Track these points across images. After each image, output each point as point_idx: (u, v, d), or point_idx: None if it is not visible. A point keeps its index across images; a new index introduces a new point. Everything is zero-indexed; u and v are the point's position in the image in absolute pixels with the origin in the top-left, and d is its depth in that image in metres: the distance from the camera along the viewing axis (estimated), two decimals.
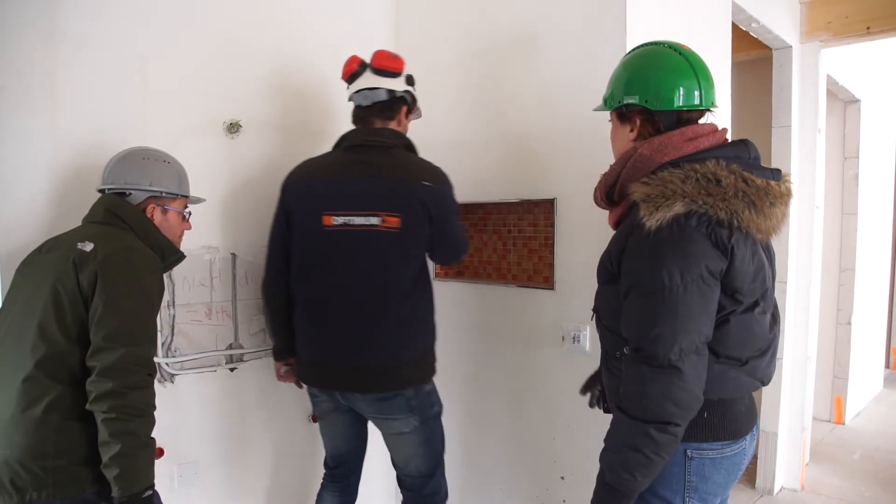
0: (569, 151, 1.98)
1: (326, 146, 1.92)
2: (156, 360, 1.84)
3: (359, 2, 2.41)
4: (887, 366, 5.34)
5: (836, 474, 3.38)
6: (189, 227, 1.68)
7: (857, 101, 4.13)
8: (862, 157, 4.22)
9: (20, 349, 1.34)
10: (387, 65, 1.78)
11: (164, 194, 1.56)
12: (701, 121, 1.31)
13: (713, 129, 1.28)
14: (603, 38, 1.88)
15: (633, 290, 1.19)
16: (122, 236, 1.45)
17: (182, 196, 1.62)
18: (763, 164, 1.27)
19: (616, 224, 1.35)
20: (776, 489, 3.15)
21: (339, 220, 1.71)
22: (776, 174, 1.24)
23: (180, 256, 1.62)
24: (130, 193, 1.53)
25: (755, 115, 3.36)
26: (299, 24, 2.21)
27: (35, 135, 1.62)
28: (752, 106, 3.40)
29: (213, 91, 1.96)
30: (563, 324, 2.01)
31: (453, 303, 2.37)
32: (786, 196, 1.22)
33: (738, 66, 2.73)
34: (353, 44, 2.34)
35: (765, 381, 1.30)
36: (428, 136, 2.24)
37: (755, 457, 3.16)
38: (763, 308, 1.24)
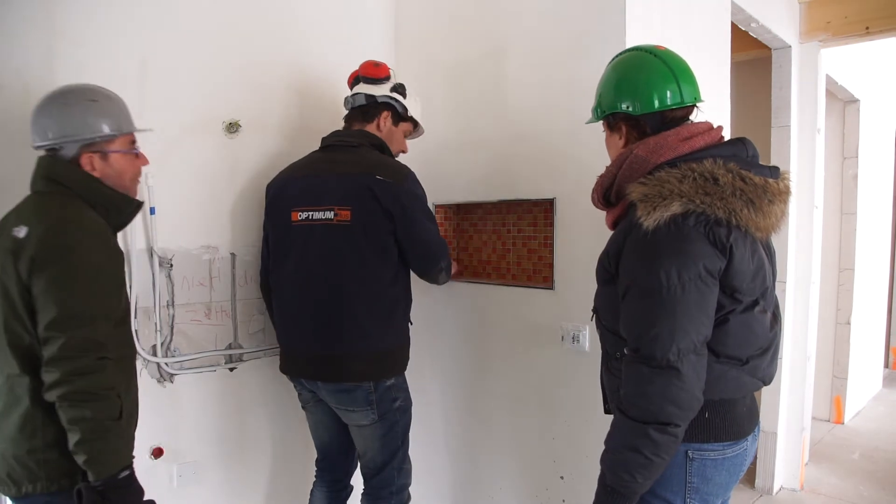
0: (568, 151, 1.98)
1: None
2: (155, 359, 1.85)
3: (359, 2, 2.41)
4: (886, 365, 5.34)
5: (836, 474, 3.39)
6: (145, 163, 1.48)
7: (857, 100, 4.13)
8: (861, 156, 4.22)
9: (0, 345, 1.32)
10: (368, 72, 1.91)
11: (97, 139, 1.37)
12: (693, 118, 1.31)
13: (708, 126, 1.28)
14: (603, 38, 1.88)
15: (630, 290, 1.19)
16: (59, 207, 1.32)
17: (123, 134, 1.41)
18: (761, 162, 1.27)
19: (613, 224, 1.35)
20: (775, 489, 3.15)
21: (303, 215, 1.80)
22: (774, 172, 1.24)
23: (137, 205, 1.46)
24: (62, 147, 1.35)
25: (754, 114, 3.36)
26: (299, 24, 2.20)
27: None
28: (751, 106, 3.40)
29: (212, 91, 1.96)
30: (562, 323, 2.01)
31: (453, 303, 2.37)
32: (784, 194, 1.22)
33: (737, 66, 2.73)
34: (352, 44, 2.34)
35: (766, 381, 1.30)
36: (428, 135, 2.24)
37: (754, 456, 3.17)
38: (763, 307, 1.24)
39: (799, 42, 3.09)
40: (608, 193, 1.33)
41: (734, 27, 2.53)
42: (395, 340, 1.86)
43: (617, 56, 1.38)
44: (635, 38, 1.83)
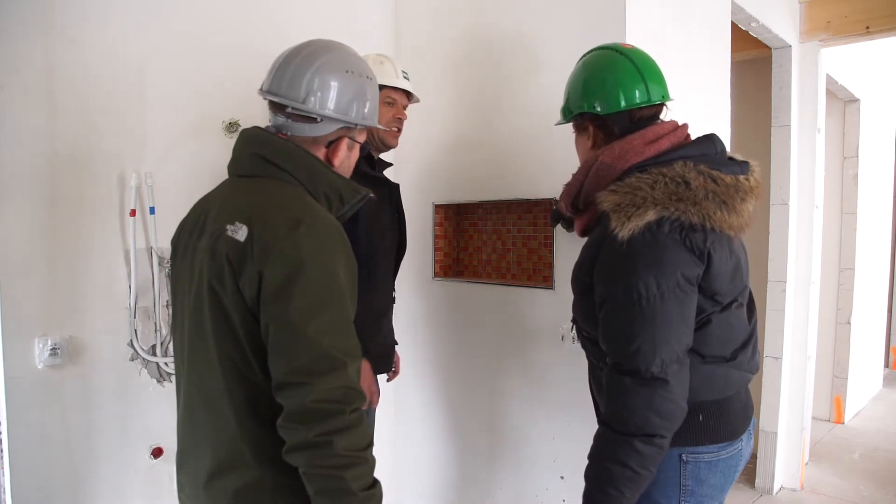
0: (568, 151, 1.96)
1: None
2: (155, 359, 1.84)
3: (358, 2, 2.41)
4: (886, 365, 5.35)
5: (836, 474, 3.39)
6: (358, 155, 1.25)
7: (857, 100, 4.14)
8: (861, 156, 4.23)
9: (209, 384, 1.05)
10: None
11: (357, 126, 1.16)
12: (663, 116, 1.30)
13: (673, 126, 1.26)
14: (603, 38, 1.86)
15: (608, 302, 1.16)
16: (281, 200, 1.04)
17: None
18: (731, 156, 1.25)
19: (583, 232, 1.32)
20: (775, 489, 3.15)
21: None
22: (744, 167, 1.23)
23: (364, 195, 1.16)
24: (321, 120, 1.10)
25: (754, 114, 3.36)
26: (298, 23, 2.20)
27: (33, 134, 1.62)
28: (751, 105, 3.40)
29: (211, 90, 1.96)
30: (562, 323, 2.00)
31: (452, 302, 2.36)
32: (755, 189, 1.21)
33: (737, 66, 2.73)
34: (352, 44, 2.34)
35: (753, 371, 1.30)
36: (427, 135, 2.24)
37: (754, 456, 3.17)
38: (740, 302, 1.24)
39: (799, 41, 3.09)
40: (576, 201, 1.32)
41: (734, 27, 2.52)
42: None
43: (585, 55, 1.37)
44: (635, 38, 1.83)
